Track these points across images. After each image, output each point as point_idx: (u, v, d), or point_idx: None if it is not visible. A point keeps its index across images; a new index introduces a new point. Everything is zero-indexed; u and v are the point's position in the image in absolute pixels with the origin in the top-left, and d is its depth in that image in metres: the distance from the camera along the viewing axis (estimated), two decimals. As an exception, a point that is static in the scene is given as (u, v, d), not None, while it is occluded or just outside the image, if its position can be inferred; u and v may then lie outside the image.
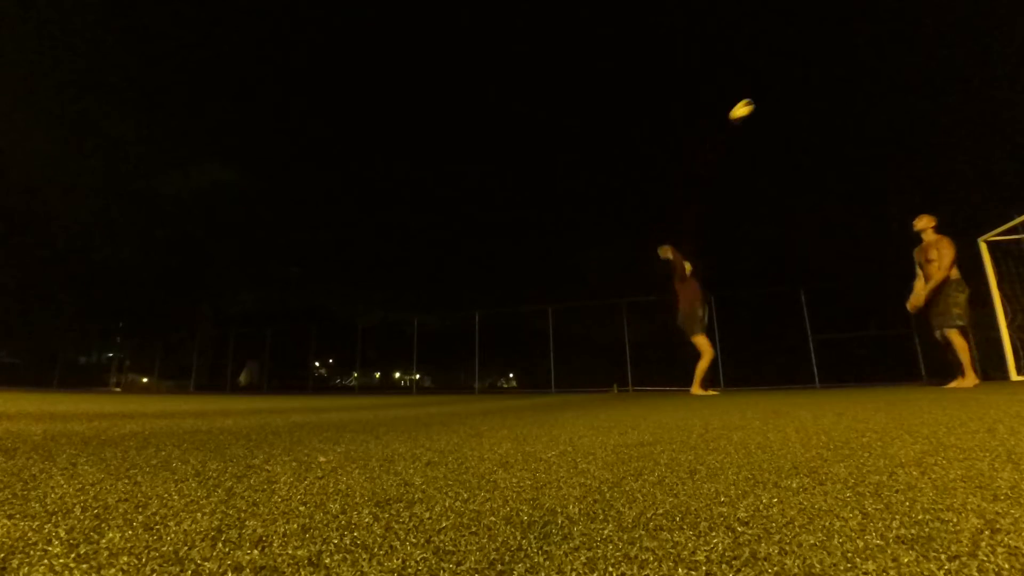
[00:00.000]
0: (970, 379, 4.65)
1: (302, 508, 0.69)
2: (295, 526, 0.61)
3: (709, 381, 5.87)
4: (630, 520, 0.62)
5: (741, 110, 5.27)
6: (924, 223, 5.03)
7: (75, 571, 0.46)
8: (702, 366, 5.73)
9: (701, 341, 5.82)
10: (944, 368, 4.94)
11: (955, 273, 4.83)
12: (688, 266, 6.04)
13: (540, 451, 1.21)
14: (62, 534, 0.57)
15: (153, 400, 5.24)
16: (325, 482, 0.86)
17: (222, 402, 4.68)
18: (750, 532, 0.56)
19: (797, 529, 0.57)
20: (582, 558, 0.50)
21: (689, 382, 5.76)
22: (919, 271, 5.13)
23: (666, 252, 5.99)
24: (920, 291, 5.08)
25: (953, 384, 4.77)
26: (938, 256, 4.87)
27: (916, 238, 5.10)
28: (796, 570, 0.46)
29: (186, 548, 0.53)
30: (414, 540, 0.55)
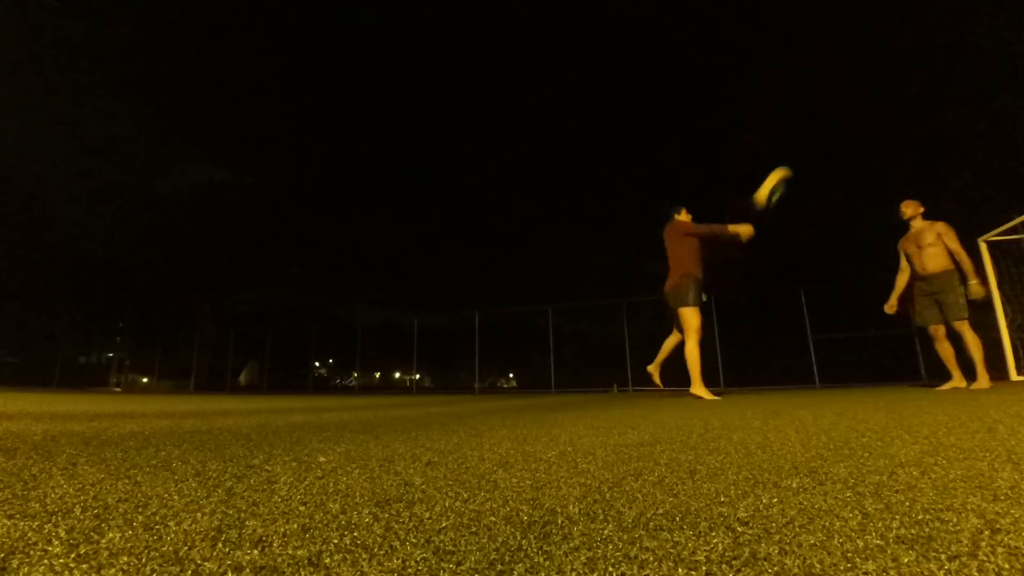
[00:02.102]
0: (983, 380, 4.36)
1: (302, 508, 0.69)
2: (295, 526, 0.60)
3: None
4: (630, 520, 0.62)
5: (769, 186, 4.25)
6: (914, 209, 4.78)
7: (75, 571, 0.46)
8: (695, 352, 4.34)
9: (693, 314, 4.40)
10: (941, 369, 4.82)
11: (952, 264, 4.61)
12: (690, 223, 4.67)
13: (540, 451, 1.21)
14: (62, 534, 0.57)
15: (153, 400, 5.24)
16: (325, 482, 0.86)
17: (222, 402, 4.68)
18: (750, 532, 0.56)
19: (797, 529, 0.57)
20: (582, 558, 0.50)
21: (688, 381, 4.50)
22: (904, 264, 4.89)
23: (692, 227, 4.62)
24: (900, 286, 4.88)
25: (948, 386, 4.58)
26: (939, 240, 4.58)
27: (902, 228, 4.88)
28: (796, 570, 0.46)
29: (186, 548, 0.53)
30: (414, 540, 0.55)
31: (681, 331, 4.57)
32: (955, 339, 4.65)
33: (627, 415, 2.36)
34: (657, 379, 4.87)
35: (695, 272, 4.48)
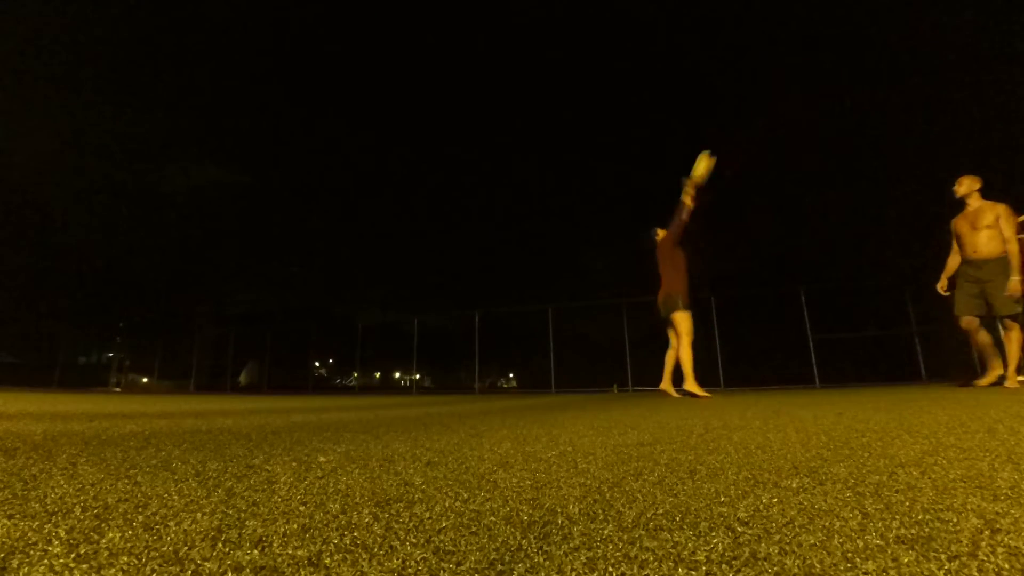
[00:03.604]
0: (1012, 379, 4.07)
1: (302, 508, 0.69)
2: (295, 526, 0.61)
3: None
4: (630, 520, 0.62)
5: (702, 167, 4.72)
6: (969, 185, 4.38)
7: (75, 571, 0.46)
8: (688, 352, 4.77)
9: (685, 318, 4.86)
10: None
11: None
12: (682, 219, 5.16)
13: (540, 451, 1.21)
14: (62, 534, 0.57)
15: (153, 400, 5.23)
16: (325, 482, 0.86)
17: (222, 402, 4.68)
18: (750, 532, 0.56)
19: (797, 529, 0.57)
20: (582, 558, 0.50)
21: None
22: (955, 245, 4.55)
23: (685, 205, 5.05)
24: (951, 267, 4.50)
25: (989, 378, 4.23)
26: (996, 222, 4.19)
27: (956, 207, 4.55)
28: (796, 570, 0.46)
29: (186, 548, 0.53)
30: (414, 540, 0.55)
31: (676, 335, 4.99)
32: (991, 330, 4.39)
33: (627, 415, 2.36)
34: (672, 392, 5.00)
35: (682, 282, 5.03)
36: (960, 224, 4.53)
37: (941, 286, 4.77)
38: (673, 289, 4.99)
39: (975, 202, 4.44)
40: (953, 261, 4.66)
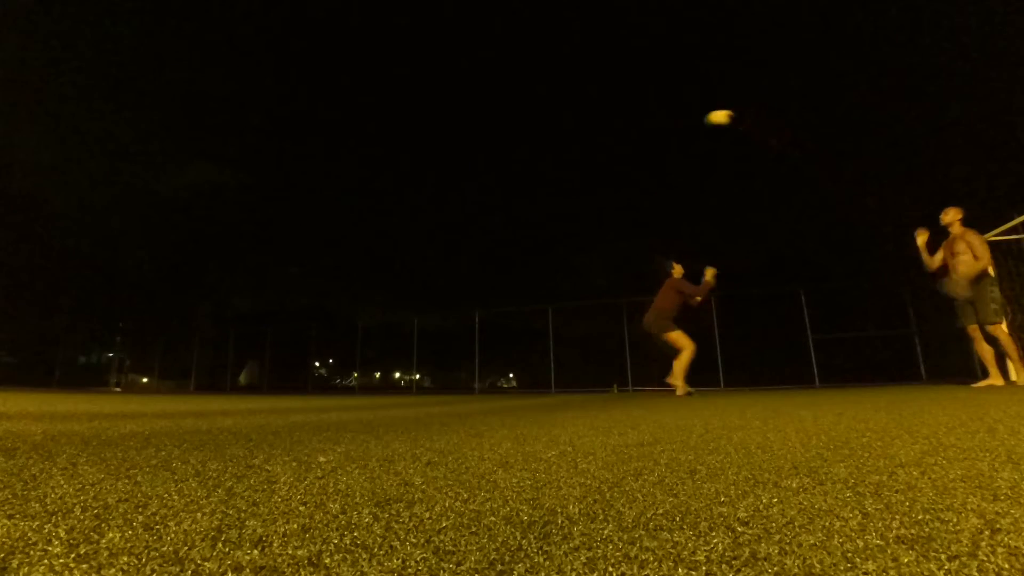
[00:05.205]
0: (995, 378, 4.56)
1: (302, 508, 0.69)
2: (295, 526, 0.61)
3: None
4: (630, 520, 0.62)
5: (719, 117, 5.17)
6: (951, 216, 4.98)
7: (75, 571, 0.46)
8: (687, 360, 5.70)
9: (680, 335, 5.78)
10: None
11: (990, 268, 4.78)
12: (680, 270, 6.11)
13: (540, 451, 1.21)
14: (62, 534, 0.57)
15: (153, 400, 5.23)
16: (325, 482, 0.86)
17: (222, 402, 4.68)
18: (750, 532, 0.56)
19: (797, 529, 0.57)
20: (582, 558, 0.50)
21: (689, 382, 5.65)
22: (940, 255, 5.10)
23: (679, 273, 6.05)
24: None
25: (984, 383, 4.64)
26: (968, 248, 4.82)
27: (943, 232, 5.08)
28: (796, 570, 0.46)
29: (186, 548, 0.53)
30: (414, 540, 0.55)
31: (670, 351, 5.86)
32: (992, 339, 4.80)
33: (627, 415, 2.36)
34: (684, 387, 5.71)
35: (668, 309, 5.93)
36: (946, 250, 5.08)
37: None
38: (663, 313, 5.88)
39: (955, 230, 5.00)
40: (928, 257, 5.22)
